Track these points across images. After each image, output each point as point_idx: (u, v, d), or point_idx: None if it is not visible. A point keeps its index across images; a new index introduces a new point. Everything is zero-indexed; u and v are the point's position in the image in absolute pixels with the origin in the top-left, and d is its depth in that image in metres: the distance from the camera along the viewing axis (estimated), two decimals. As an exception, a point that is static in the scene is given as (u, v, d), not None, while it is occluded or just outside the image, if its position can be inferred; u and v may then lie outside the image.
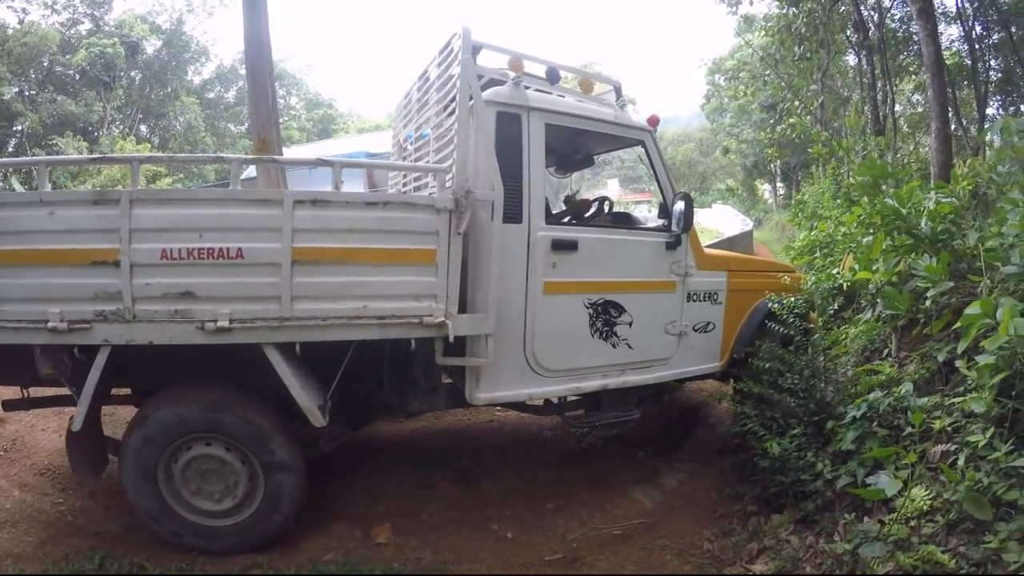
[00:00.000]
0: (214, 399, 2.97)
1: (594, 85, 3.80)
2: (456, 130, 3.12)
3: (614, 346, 3.71)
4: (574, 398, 3.93)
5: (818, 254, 6.32)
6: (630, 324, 3.75)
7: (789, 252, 7.99)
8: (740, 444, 4.07)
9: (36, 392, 3.41)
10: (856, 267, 4.22)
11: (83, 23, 24.81)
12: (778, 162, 24.61)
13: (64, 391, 3.12)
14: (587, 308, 3.63)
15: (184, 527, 3.03)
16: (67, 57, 23.42)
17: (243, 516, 3.04)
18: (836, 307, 4.96)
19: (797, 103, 12.42)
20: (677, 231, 3.83)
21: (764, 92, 19.00)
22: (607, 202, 4.65)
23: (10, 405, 3.46)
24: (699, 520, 3.41)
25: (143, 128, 29.65)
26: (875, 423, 3.01)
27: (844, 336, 4.42)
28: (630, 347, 3.77)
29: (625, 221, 4.44)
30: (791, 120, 11.85)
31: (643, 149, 3.93)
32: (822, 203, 7.96)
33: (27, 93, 20.93)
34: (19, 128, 21.37)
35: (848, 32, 10.38)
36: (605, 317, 3.68)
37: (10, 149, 22.12)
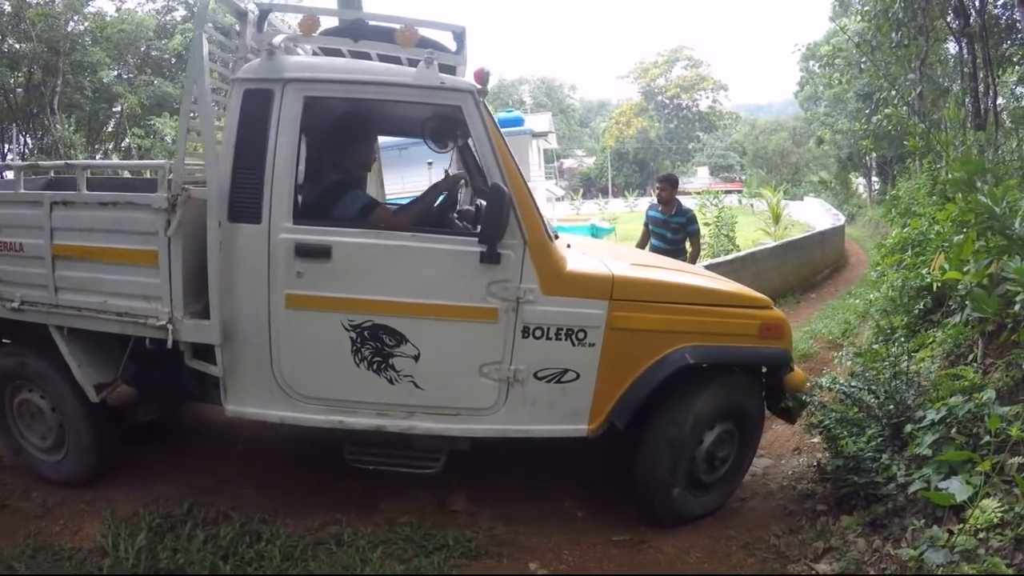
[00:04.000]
0: (26, 358, 3.43)
1: (417, 36, 2.96)
2: (181, 116, 3.09)
3: (391, 382, 3.00)
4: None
5: (909, 252, 6.13)
6: (415, 358, 2.98)
7: (880, 249, 7.75)
8: (817, 443, 4.07)
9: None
10: (946, 267, 4.11)
11: (177, 10, 26.19)
12: (873, 155, 23.46)
13: None
14: (348, 331, 2.95)
15: (31, 460, 3.57)
16: (163, 42, 24.84)
17: (60, 456, 3.49)
18: (923, 307, 4.84)
19: (894, 93, 11.81)
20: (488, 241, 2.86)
21: (860, 80, 18.19)
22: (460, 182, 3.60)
23: None
24: (768, 515, 3.42)
25: (236, 110, 31.26)
26: (954, 429, 2.97)
27: (931, 339, 4.31)
28: (417, 387, 3.01)
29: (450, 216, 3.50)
30: (887, 111, 11.34)
31: (462, 118, 2.97)
32: (917, 199, 7.62)
33: (125, 76, 22.40)
34: (118, 109, 22.88)
35: (948, 18, 9.78)
36: (374, 345, 2.97)
37: (109, 128, 23.82)
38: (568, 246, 3.47)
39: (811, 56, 25.91)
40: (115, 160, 18.14)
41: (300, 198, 3.10)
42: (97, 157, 20.56)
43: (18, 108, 21.01)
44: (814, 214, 24.93)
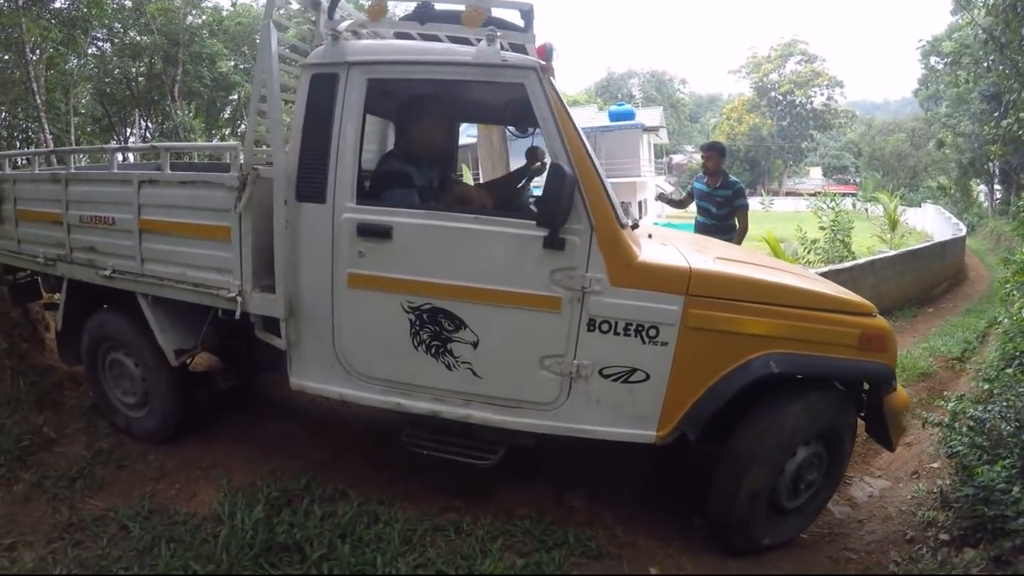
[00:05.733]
0: (117, 322, 3.82)
1: (483, 16, 2.83)
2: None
3: (449, 367, 2.93)
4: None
5: (1043, 272, 5.75)
6: (474, 345, 2.89)
7: (1009, 266, 7.28)
8: (938, 469, 3.93)
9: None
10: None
11: (291, 4, 27.67)
12: (997, 161, 21.77)
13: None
14: (407, 313, 2.92)
15: (117, 414, 3.98)
16: (279, 34, 26.11)
17: (143, 412, 3.87)
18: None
19: None
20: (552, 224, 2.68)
21: (986, 79, 16.91)
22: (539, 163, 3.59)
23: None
24: (887, 540, 3.35)
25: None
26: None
27: (1070, 368, 4.08)
28: (475, 375, 2.92)
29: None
30: (1020, 115, 10.54)
31: (526, 95, 2.79)
32: (1049, 213, 7.12)
33: (242, 66, 23.46)
34: (235, 97, 24.19)
35: (1082, 13, 8.95)
36: (433, 328, 2.91)
37: (226, 115, 25.32)
38: (649, 236, 3.39)
39: (932, 51, 24.36)
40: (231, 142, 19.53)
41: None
42: (215, 141, 21.92)
43: (140, 95, 22.60)
44: (932, 222, 23.59)
